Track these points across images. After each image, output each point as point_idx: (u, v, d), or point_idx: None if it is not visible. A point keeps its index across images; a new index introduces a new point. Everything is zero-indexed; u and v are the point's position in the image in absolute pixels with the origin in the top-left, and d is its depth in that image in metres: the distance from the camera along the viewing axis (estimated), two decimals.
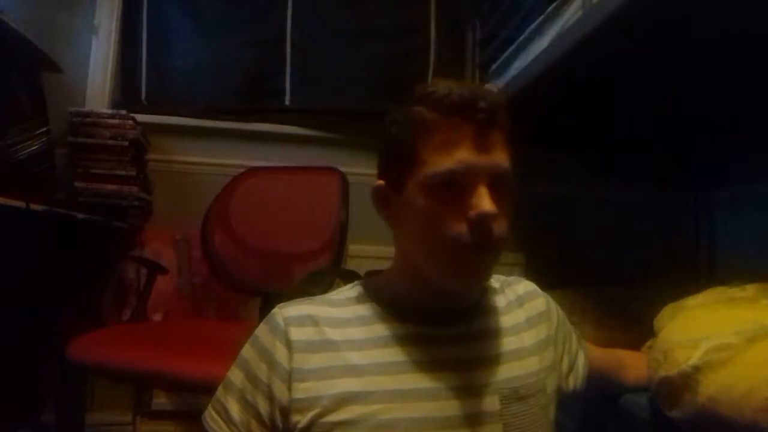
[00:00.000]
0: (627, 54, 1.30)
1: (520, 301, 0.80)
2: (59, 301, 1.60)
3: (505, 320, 0.76)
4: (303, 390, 0.65)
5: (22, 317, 1.50)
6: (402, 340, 0.69)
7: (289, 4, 2.34)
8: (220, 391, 0.71)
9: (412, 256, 0.70)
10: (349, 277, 1.44)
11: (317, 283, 1.38)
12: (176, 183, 2.11)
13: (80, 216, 1.62)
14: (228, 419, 0.68)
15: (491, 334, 0.74)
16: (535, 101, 1.68)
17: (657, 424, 0.95)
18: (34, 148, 1.75)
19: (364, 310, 0.72)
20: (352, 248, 1.87)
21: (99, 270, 1.88)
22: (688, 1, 1.05)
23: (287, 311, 0.71)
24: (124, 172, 1.88)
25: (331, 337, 0.68)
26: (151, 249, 2.02)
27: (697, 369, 0.86)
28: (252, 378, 0.68)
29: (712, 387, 0.83)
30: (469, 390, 0.68)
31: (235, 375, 0.70)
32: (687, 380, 0.86)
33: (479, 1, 2.16)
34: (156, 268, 1.65)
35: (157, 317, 1.95)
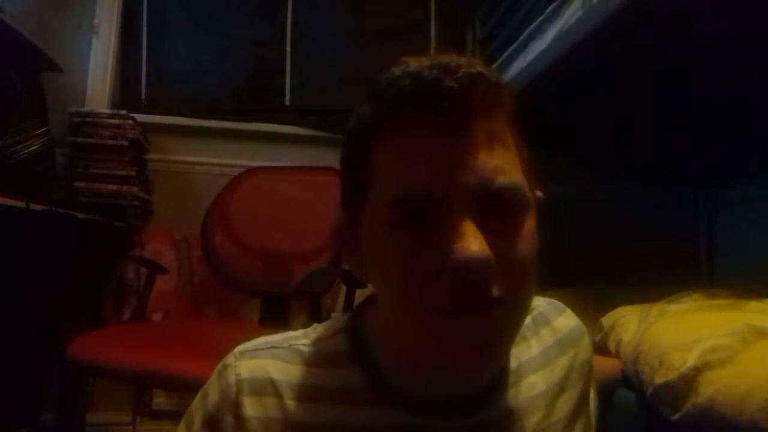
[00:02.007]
0: (627, 54, 1.30)
1: (562, 345, 0.55)
2: (59, 301, 1.60)
3: (538, 382, 0.52)
4: None
5: (22, 317, 1.50)
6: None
7: (289, 4, 2.35)
8: None
9: (389, 321, 0.48)
10: (349, 277, 1.44)
11: (317, 283, 1.38)
12: (176, 183, 2.11)
13: (80, 216, 1.62)
14: None
15: (514, 417, 0.50)
16: (535, 101, 1.68)
17: (650, 420, 0.95)
18: (34, 148, 1.74)
19: (342, 379, 0.49)
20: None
21: (99, 270, 1.88)
22: (688, 2, 1.05)
23: (242, 369, 0.50)
24: (124, 172, 1.88)
25: (295, 417, 0.48)
26: (151, 249, 2.02)
27: (696, 370, 0.86)
28: None
29: (711, 387, 0.83)
30: None
31: None
32: (688, 382, 0.86)
33: (479, 1, 2.17)
34: (156, 268, 1.65)
35: (157, 317, 1.95)
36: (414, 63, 0.44)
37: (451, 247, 0.39)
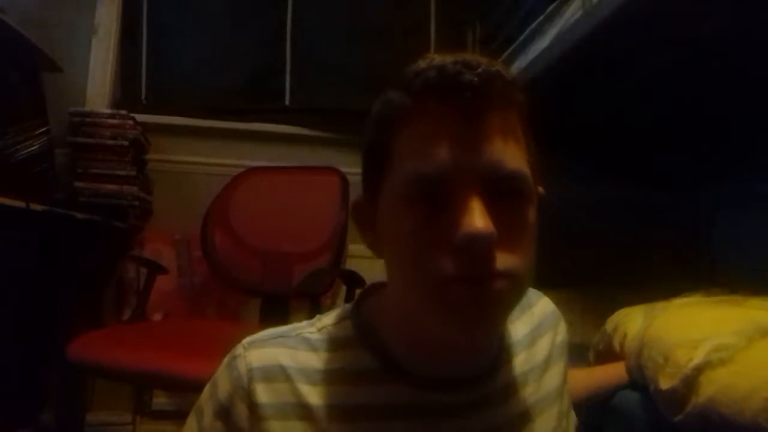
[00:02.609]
0: (627, 54, 1.30)
1: (542, 327, 0.60)
2: (59, 301, 1.60)
3: (525, 362, 0.57)
4: None
5: (22, 317, 1.50)
6: (399, 412, 0.51)
7: (289, 3, 2.34)
8: None
9: (396, 295, 0.51)
10: (349, 277, 1.44)
11: (317, 283, 1.38)
12: (176, 183, 2.11)
13: (80, 216, 1.62)
14: None
15: (509, 389, 0.55)
16: (534, 101, 1.68)
17: (650, 420, 0.95)
18: (34, 148, 1.74)
19: (350, 360, 0.52)
20: (352, 248, 1.87)
21: (99, 270, 1.88)
22: (688, 1, 1.05)
23: (252, 358, 0.52)
24: (124, 172, 1.88)
25: (308, 399, 0.50)
26: (151, 249, 2.02)
27: (698, 370, 0.86)
28: None
29: (712, 387, 0.83)
30: None
31: (190, 428, 0.55)
32: (689, 384, 0.86)
33: (479, 1, 2.16)
34: (156, 268, 1.65)
35: (157, 317, 1.95)
36: (439, 58, 0.48)
37: (459, 222, 0.43)
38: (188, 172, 2.13)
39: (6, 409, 1.55)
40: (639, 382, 1.02)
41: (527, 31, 1.67)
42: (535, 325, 0.60)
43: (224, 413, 0.51)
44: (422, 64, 0.49)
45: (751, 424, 0.76)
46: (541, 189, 0.51)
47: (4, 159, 1.61)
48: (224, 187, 1.82)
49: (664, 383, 0.89)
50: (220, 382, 0.53)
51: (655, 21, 1.12)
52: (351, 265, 1.90)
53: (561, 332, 0.62)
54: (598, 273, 1.97)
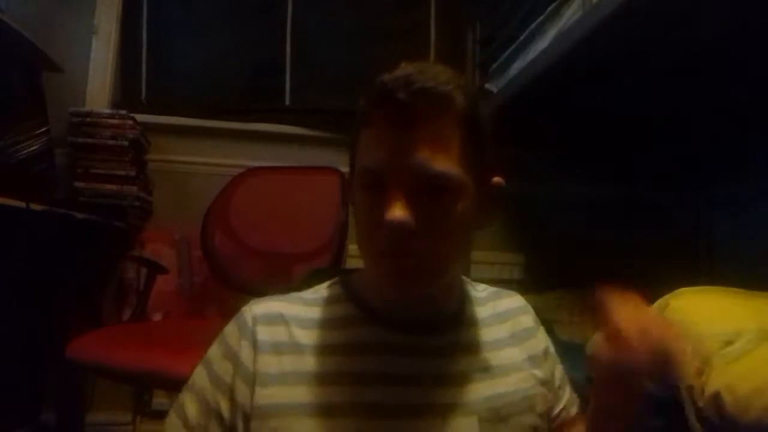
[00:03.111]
0: (627, 54, 1.30)
1: (505, 316, 0.73)
2: (59, 301, 1.60)
3: (487, 333, 0.70)
4: (265, 396, 0.60)
5: (23, 317, 1.50)
6: (372, 348, 0.63)
7: (289, 3, 2.34)
8: (182, 392, 0.66)
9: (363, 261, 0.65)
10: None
11: (317, 283, 1.38)
12: (176, 183, 2.11)
13: (80, 216, 1.62)
14: (185, 421, 0.63)
15: (471, 348, 0.67)
16: (534, 101, 1.69)
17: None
18: (34, 148, 1.74)
19: (337, 311, 0.66)
20: (352, 248, 1.87)
21: (99, 270, 1.88)
22: (688, 1, 1.05)
23: (256, 309, 0.65)
24: (124, 172, 1.88)
25: (300, 339, 0.63)
26: (151, 249, 2.02)
27: (708, 365, 0.85)
28: (214, 378, 0.63)
29: (717, 383, 0.83)
30: (444, 409, 0.62)
31: (198, 374, 0.65)
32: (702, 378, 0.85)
33: (479, 1, 2.17)
34: (156, 268, 1.65)
35: (157, 317, 1.95)
36: (398, 70, 0.59)
37: (385, 211, 0.56)
38: (188, 172, 2.13)
39: (6, 409, 1.55)
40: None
41: (527, 31, 1.67)
42: (500, 312, 0.74)
43: (232, 355, 0.62)
44: (385, 75, 0.59)
45: (756, 423, 0.76)
46: (497, 179, 0.64)
47: (4, 159, 1.61)
48: (224, 187, 1.82)
49: (689, 376, 0.88)
50: (228, 332, 0.65)
51: (655, 21, 1.12)
52: (351, 265, 1.90)
53: (524, 323, 0.74)
54: (598, 273, 1.97)
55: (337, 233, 1.60)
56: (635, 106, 1.66)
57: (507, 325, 0.72)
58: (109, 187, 1.86)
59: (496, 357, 0.68)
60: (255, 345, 0.62)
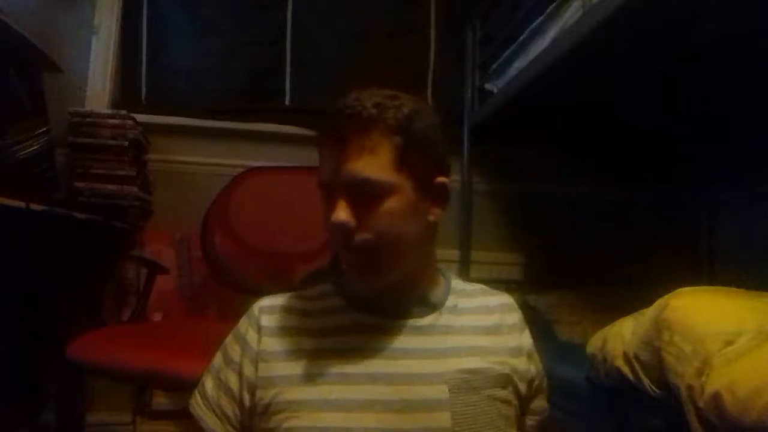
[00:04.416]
0: (627, 54, 1.30)
1: (492, 309, 0.82)
2: (59, 301, 1.60)
3: (469, 320, 0.79)
4: (266, 369, 0.73)
5: (22, 317, 1.50)
6: (354, 329, 0.75)
7: (289, 4, 2.34)
8: (204, 373, 0.79)
9: None
10: None
11: (317, 283, 1.38)
12: (176, 183, 2.11)
13: (80, 216, 1.62)
14: (203, 394, 0.77)
15: (450, 330, 0.77)
16: (535, 101, 1.69)
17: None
18: (34, 148, 1.74)
19: (330, 302, 0.79)
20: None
21: (99, 270, 1.88)
22: (687, 2, 1.05)
23: (263, 302, 0.80)
24: (124, 172, 1.87)
25: (296, 324, 0.76)
26: (151, 249, 2.02)
27: (708, 365, 0.85)
28: (227, 359, 0.77)
29: (718, 383, 0.83)
30: (417, 378, 0.71)
31: (216, 357, 0.79)
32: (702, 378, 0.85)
33: (479, 1, 2.16)
34: (156, 268, 1.65)
35: (157, 317, 1.95)
36: (348, 97, 0.73)
37: (331, 214, 0.70)
38: (188, 172, 2.13)
39: (6, 409, 1.55)
40: (647, 362, 0.99)
41: (527, 31, 1.67)
42: (487, 304, 0.82)
43: (241, 339, 0.77)
44: (337, 101, 0.73)
45: (756, 423, 0.75)
46: (441, 179, 0.75)
47: (4, 159, 1.61)
48: (224, 187, 1.82)
49: (689, 377, 0.88)
50: (240, 323, 0.79)
51: (655, 21, 1.12)
52: None
53: (512, 318, 0.82)
54: (598, 273, 1.97)
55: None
56: (635, 106, 1.67)
57: (493, 317, 0.80)
58: (109, 187, 1.86)
59: (474, 340, 0.77)
60: (259, 330, 0.76)
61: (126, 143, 1.88)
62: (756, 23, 1.09)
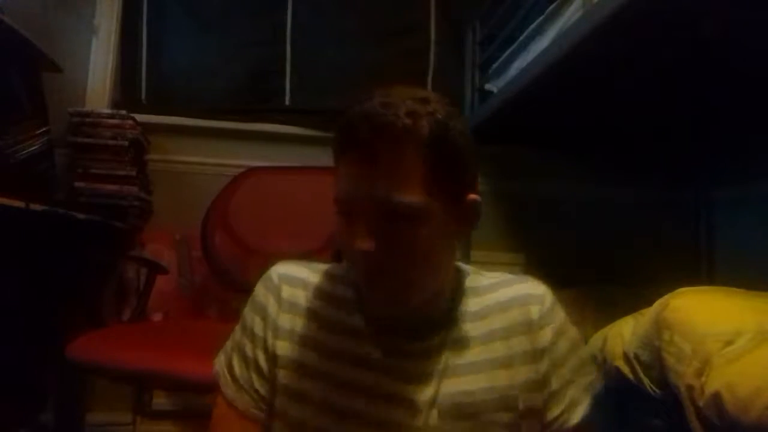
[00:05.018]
0: (627, 54, 1.30)
1: (506, 305, 0.72)
2: (59, 301, 1.60)
3: (474, 328, 0.70)
4: (280, 348, 0.70)
5: (22, 317, 1.50)
6: (360, 336, 0.70)
7: (289, 4, 2.34)
8: (227, 345, 0.76)
9: None
10: None
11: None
12: (176, 183, 2.11)
13: (80, 216, 1.62)
14: (233, 375, 0.72)
15: (451, 346, 0.69)
16: (535, 101, 1.69)
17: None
18: (34, 148, 1.74)
19: (345, 291, 0.73)
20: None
21: (99, 270, 1.87)
22: (688, 1, 1.05)
23: (283, 269, 0.75)
24: (124, 172, 1.87)
25: (312, 307, 0.72)
26: (151, 249, 2.02)
27: (708, 365, 0.85)
28: (249, 333, 0.72)
29: (718, 383, 0.83)
30: (408, 402, 0.67)
31: (236, 332, 0.75)
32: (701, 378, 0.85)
33: (479, 1, 2.16)
34: (156, 268, 1.65)
35: (157, 317, 1.95)
36: (366, 102, 0.62)
37: (353, 239, 0.62)
38: (188, 172, 2.13)
39: (6, 409, 1.55)
40: (647, 362, 0.99)
41: (527, 31, 1.67)
42: (500, 301, 0.72)
43: (261, 309, 0.72)
44: (354, 107, 0.62)
45: (756, 423, 0.75)
46: (473, 197, 0.66)
47: (4, 159, 1.61)
48: (224, 187, 1.82)
49: (689, 377, 0.88)
50: (257, 291, 0.74)
51: (655, 21, 1.12)
52: None
53: (529, 312, 0.71)
54: (598, 273, 1.97)
55: (337, 233, 1.60)
56: (635, 106, 1.66)
57: (505, 316, 0.71)
58: (109, 187, 1.86)
59: (477, 353, 0.69)
60: (279, 302, 0.72)
61: (126, 143, 1.88)
62: (756, 23, 1.09)
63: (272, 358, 0.70)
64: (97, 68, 2.12)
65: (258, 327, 0.72)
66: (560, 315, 0.73)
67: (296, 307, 0.72)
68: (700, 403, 0.84)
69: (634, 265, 2.04)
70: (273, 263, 0.76)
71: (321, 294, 0.73)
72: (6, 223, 1.27)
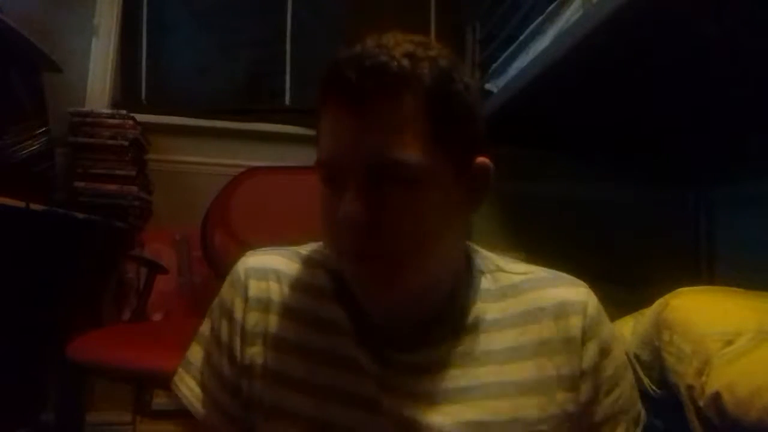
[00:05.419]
0: (627, 54, 1.29)
1: (537, 315, 0.57)
2: (59, 301, 1.60)
3: (492, 341, 0.57)
4: (251, 355, 0.59)
5: (23, 317, 1.50)
6: (343, 339, 0.58)
7: (289, 3, 2.35)
8: (191, 347, 0.66)
9: None
10: None
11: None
12: (176, 183, 2.11)
13: (80, 216, 1.62)
14: (202, 385, 0.63)
15: (463, 361, 0.56)
16: (535, 101, 1.68)
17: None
18: (34, 148, 1.74)
19: (326, 279, 0.61)
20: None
21: (99, 270, 1.87)
22: (688, 1, 1.05)
23: (252, 260, 0.62)
24: (124, 172, 1.87)
25: (288, 302, 0.60)
26: (151, 249, 2.02)
27: (708, 365, 0.85)
28: (216, 338, 0.62)
29: (718, 383, 0.83)
30: (405, 426, 0.54)
31: (203, 327, 0.66)
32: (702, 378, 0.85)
33: (479, 1, 2.17)
34: (156, 268, 1.65)
35: (157, 317, 1.95)
36: (357, 44, 0.51)
37: (339, 205, 0.50)
38: (188, 172, 2.13)
39: (6, 409, 1.55)
40: (647, 361, 0.99)
41: (527, 31, 1.67)
42: (531, 309, 0.58)
43: (227, 312, 0.61)
44: (339, 53, 0.52)
45: (757, 423, 0.75)
46: (482, 160, 0.56)
47: (4, 159, 1.61)
48: (224, 187, 1.82)
49: (689, 377, 0.88)
50: (224, 287, 0.63)
51: (655, 21, 1.12)
52: None
53: (570, 326, 0.57)
54: (598, 273, 1.96)
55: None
56: (635, 106, 1.66)
57: (536, 329, 0.57)
58: (109, 187, 1.86)
59: (497, 373, 0.55)
60: (246, 300, 0.60)
61: (126, 143, 1.88)
62: (756, 23, 1.09)
63: (244, 369, 0.59)
64: (97, 68, 2.12)
65: (224, 332, 0.61)
66: (606, 328, 0.59)
67: (267, 303, 0.59)
68: (700, 403, 0.84)
69: (634, 265, 2.03)
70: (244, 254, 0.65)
71: (297, 284, 0.61)
72: (6, 223, 1.27)
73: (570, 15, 1.40)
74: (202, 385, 0.63)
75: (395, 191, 0.50)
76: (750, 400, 0.77)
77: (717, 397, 0.81)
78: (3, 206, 1.22)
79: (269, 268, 0.62)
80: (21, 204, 1.28)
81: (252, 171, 1.87)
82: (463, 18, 2.31)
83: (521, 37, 1.72)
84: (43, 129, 1.81)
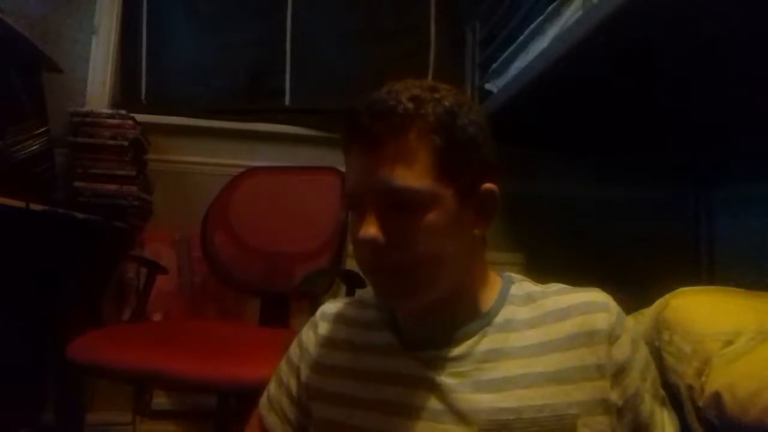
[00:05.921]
0: (626, 54, 1.30)
1: (564, 314, 0.64)
2: (59, 301, 1.60)
3: (525, 337, 0.64)
4: (316, 381, 0.72)
5: (23, 317, 1.50)
6: (390, 354, 0.69)
7: (289, 3, 2.34)
8: (274, 370, 0.81)
9: None
10: (349, 277, 1.44)
11: (317, 283, 1.38)
12: (176, 183, 2.11)
13: (80, 216, 1.62)
14: (268, 394, 0.79)
15: (493, 355, 0.64)
16: (535, 101, 1.69)
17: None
18: (34, 148, 1.74)
19: (374, 311, 0.75)
20: (352, 248, 1.88)
21: (99, 270, 1.87)
22: (688, 2, 1.05)
23: (325, 308, 0.78)
24: (124, 172, 1.87)
25: (348, 337, 0.73)
26: (151, 249, 2.02)
27: (708, 365, 0.85)
28: (288, 361, 0.78)
29: (717, 383, 0.83)
30: (446, 414, 0.62)
31: (284, 357, 0.80)
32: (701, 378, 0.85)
33: (479, 1, 2.17)
34: (156, 268, 1.65)
35: (157, 317, 1.95)
36: (373, 94, 0.63)
37: (359, 228, 0.62)
38: (188, 172, 2.13)
39: (6, 409, 1.55)
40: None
41: (527, 31, 1.67)
42: (554, 310, 0.65)
43: (301, 342, 0.77)
44: (360, 99, 0.63)
45: (756, 424, 0.75)
46: (489, 186, 0.65)
47: (4, 159, 1.61)
48: (224, 187, 1.82)
49: (689, 377, 0.88)
50: (304, 327, 0.79)
51: (655, 21, 1.12)
52: (351, 265, 1.90)
53: (593, 322, 0.62)
54: (599, 273, 1.97)
55: (337, 233, 1.60)
56: (635, 106, 1.66)
57: (563, 325, 0.63)
58: (109, 187, 1.86)
59: (528, 364, 0.62)
60: (316, 335, 0.75)
61: (126, 143, 1.88)
62: (756, 24, 1.09)
63: (304, 387, 0.73)
64: (97, 68, 2.12)
65: (295, 356, 0.77)
66: (630, 324, 0.65)
67: (333, 341, 0.74)
68: (700, 403, 0.84)
69: (634, 265, 2.04)
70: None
71: (353, 321, 0.75)
72: (6, 223, 1.27)
73: (570, 15, 1.40)
74: (269, 393, 0.79)
75: (403, 214, 0.60)
76: (750, 400, 0.77)
77: (717, 397, 0.81)
78: (3, 206, 1.22)
79: (336, 312, 0.77)
80: (21, 204, 1.28)
81: (252, 171, 1.87)
82: (463, 18, 2.31)
83: (521, 38, 1.72)
84: (43, 129, 1.81)
